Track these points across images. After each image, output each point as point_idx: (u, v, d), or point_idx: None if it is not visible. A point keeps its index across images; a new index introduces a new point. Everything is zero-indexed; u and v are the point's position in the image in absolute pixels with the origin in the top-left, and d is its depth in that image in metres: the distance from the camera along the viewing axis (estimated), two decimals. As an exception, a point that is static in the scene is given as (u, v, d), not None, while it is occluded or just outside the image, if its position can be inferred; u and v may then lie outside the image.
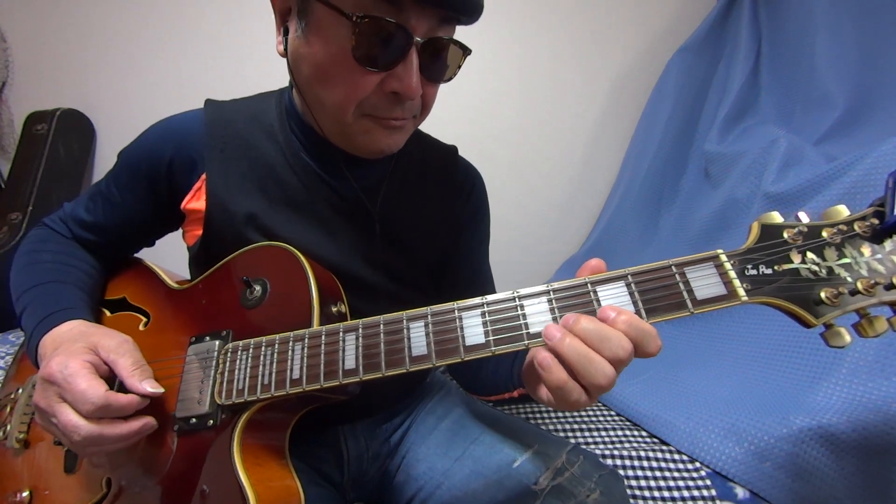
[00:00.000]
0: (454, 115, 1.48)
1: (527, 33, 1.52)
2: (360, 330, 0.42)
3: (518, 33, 1.52)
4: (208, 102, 0.58)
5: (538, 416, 0.94)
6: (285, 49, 0.49)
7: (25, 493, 0.52)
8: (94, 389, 0.41)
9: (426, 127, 0.68)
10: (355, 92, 0.45)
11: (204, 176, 0.54)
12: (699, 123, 1.44)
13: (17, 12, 1.46)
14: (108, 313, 0.60)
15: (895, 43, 1.04)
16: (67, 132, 1.48)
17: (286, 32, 0.48)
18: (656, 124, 1.47)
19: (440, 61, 0.47)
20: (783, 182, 1.03)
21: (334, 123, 0.50)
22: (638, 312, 0.36)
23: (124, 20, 1.47)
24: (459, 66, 0.50)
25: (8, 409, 0.58)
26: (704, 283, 0.36)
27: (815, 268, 0.35)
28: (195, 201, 0.55)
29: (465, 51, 0.49)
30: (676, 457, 0.80)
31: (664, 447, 0.83)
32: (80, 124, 1.52)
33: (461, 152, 0.70)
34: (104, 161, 1.57)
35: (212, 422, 0.45)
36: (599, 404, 1.01)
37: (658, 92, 1.52)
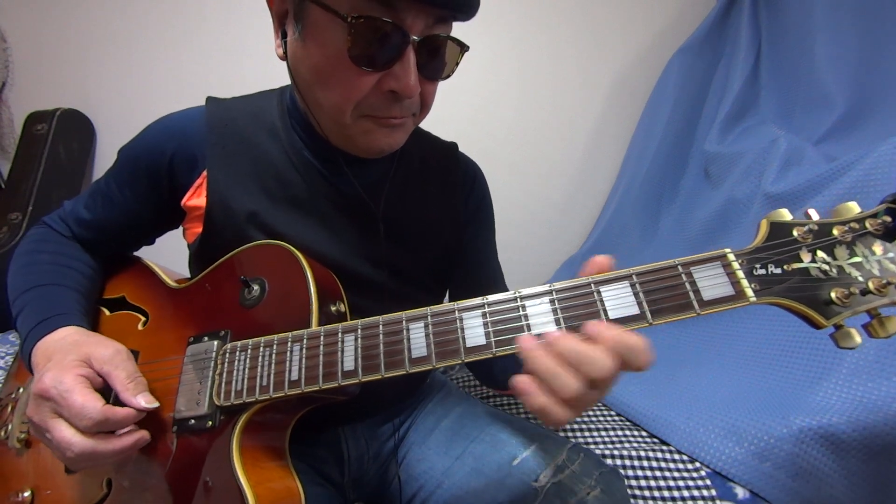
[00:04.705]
0: (454, 116, 1.48)
1: (527, 33, 1.52)
2: (360, 331, 0.42)
3: (518, 33, 1.52)
4: (210, 100, 0.58)
5: (538, 416, 0.94)
6: (284, 52, 0.49)
7: (27, 493, 0.52)
8: (91, 404, 0.41)
9: (426, 126, 0.68)
10: (353, 92, 0.45)
11: (205, 173, 0.54)
12: (699, 123, 1.44)
13: (17, 12, 1.46)
14: (107, 312, 0.59)
15: (895, 43, 1.04)
16: (67, 132, 1.48)
17: (284, 35, 0.48)
18: (656, 124, 1.47)
19: (438, 59, 0.47)
20: (783, 182, 1.03)
21: (334, 124, 0.50)
22: (643, 314, 0.35)
23: (124, 20, 1.47)
24: (457, 63, 0.50)
25: (9, 408, 0.58)
26: (712, 283, 0.35)
27: (826, 267, 0.34)
28: (196, 198, 0.55)
29: (463, 47, 0.48)
30: (676, 457, 0.80)
31: (664, 447, 0.83)
32: (80, 124, 1.52)
33: (462, 152, 0.70)
34: (104, 161, 1.57)
35: (210, 423, 0.45)
36: (600, 404, 1.01)
37: (658, 92, 1.52)
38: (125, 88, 1.51)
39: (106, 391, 0.45)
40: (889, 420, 0.66)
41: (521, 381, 0.34)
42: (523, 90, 1.56)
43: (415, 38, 0.43)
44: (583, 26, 1.54)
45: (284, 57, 0.49)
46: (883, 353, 0.73)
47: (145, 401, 0.45)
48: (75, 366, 0.44)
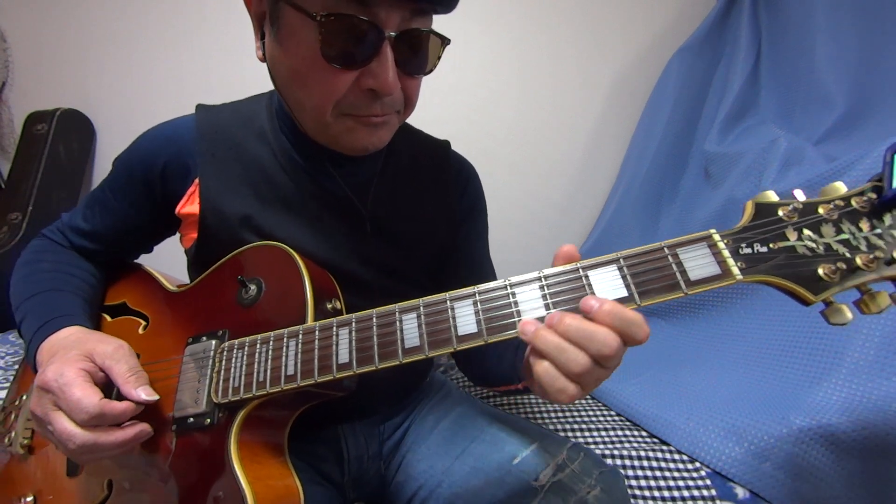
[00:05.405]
0: (454, 115, 1.49)
1: (527, 33, 1.52)
2: (354, 324, 0.42)
3: (518, 33, 1.52)
4: (199, 107, 0.58)
5: (538, 415, 0.94)
6: (264, 54, 0.49)
7: (30, 499, 0.52)
8: (88, 398, 0.42)
9: (426, 126, 0.68)
10: (331, 92, 0.45)
11: (197, 180, 0.55)
12: (699, 123, 1.44)
13: (17, 12, 1.46)
14: (108, 318, 0.60)
15: (895, 43, 1.04)
16: (67, 132, 1.48)
17: (263, 37, 0.48)
18: (656, 124, 1.47)
19: (419, 54, 0.46)
20: (783, 182, 1.03)
21: (316, 124, 0.50)
22: (631, 296, 0.36)
23: (124, 20, 1.47)
24: (439, 58, 0.49)
25: (13, 416, 0.59)
26: (698, 263, 0.35)
27: (812, 244, 0.35)
28: (189, 205, 0.55)
29: (444, 41, 0.47)
30: (676, 457, 0.80)
31: (664, 447, 0.83)
32: (80, 124, 1.52)
33: (462, 152, 0.70)
34: (104, 161, 1.57)
35: (209, 420, 0.45)
36: (600, 404, 1.01)
37: (658, 92, 1.52)
38: (125, 88, 1.51)
39: (109, 387, 0.46)
40: (889, 420, 0.66)
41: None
42: (523, 90, 1.56)
43: (391, 33, 0.42)
44: (583, 26, 1.54)
45: (264, 59, 0.49)
46: (883, 352, 0.73)
47: (145, 393, 0.45)
48: (77, 360, 0.45)
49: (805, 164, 1.04)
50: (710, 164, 1.31)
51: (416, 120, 0.66)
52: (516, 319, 0.37)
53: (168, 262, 0.70)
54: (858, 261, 0.33)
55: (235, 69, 1.44)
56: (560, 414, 0.95)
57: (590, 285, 0.37)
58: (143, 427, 0.45)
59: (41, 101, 1.50)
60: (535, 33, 1.53)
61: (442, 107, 1.46)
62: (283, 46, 0.45)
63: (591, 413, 0.97)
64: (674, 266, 0.36)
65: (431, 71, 0.49)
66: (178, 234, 0.62)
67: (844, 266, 0.33)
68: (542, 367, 0.35)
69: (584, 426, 0.91)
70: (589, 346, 0.33)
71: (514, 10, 1.50)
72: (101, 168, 1.57)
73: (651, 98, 1.54)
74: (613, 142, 1.63)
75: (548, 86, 1.57)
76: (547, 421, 0.93)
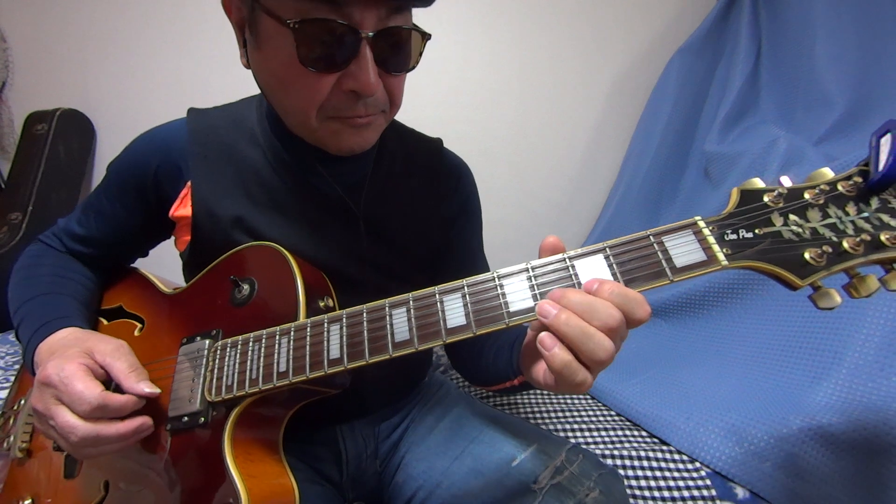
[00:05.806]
0: (455, 115, 1.49)
1: (527, 33, 1.52)
2: (344, 319, 0.42)
3: (518, 33, 1.52)
4: (191, 111, 0.58)
5: (538, 416, 0.94)
6: (248, 60, 0.49)
7: (28, 501, 0.52)
8: (90, 390, 0.42)
9: (426, 125, 0.68)
10: (313, 96, 0.44)
11: (189, 183, 0.55)
12: (699, 123, 1.44)
13: (17, 12, 1.47)
14: (104, 322, 0.60)
15: (895, 43, 1.04)
16: (67, 132, 1.48)
17: (246, 44, 0.48)
18: (656, 124, 1.47)
19: (398, 51, 0.45)
20: (783, 182, 1.03)
21: (302, 128, 0.50)
22: None
23: (124, 20, 1.47)
24: (421, 53, 0.48)
25: (12, 420, 0.59)
26: (683, 250, 0.35)
27: (798, 229, 0.34)
28: (182, 208, 0.55)
29: (425, 36, 0.47)
30: (676, 457, 0.80)
31: (664, 447, 0.83)
32: (80, 124, 1.52)
33: (462, 152, 0.69)
34: (104, 161, 1.56)
35: (203, 419, 0.45)
36: (600, 404, 1.01)
37: (658, 92, 1.52)
38: (125, 88, 1.52)
39: (108, 384, 0.46)
40: (889, 420, 0.66)
41: (544, 336, 0.35)
42: (523, 90, 1.56)
43: (368, 33, 0.41)
44: (583, 26, 1.54)
45: (248, 65, 0.49)
46: (883, 353, 0.73)
47: (147, 387, 0.45)
48: (78, 356, 0.45)
49: (805, 164, 1.03)
50: (710, 164, 1.31)
51: (416, 120, 0.66)
52: (504, 311, 0.37)
53: (165, 265, 0.70)
54: (845, 244, 0.33)
55: (235, 69, 1.44)
56: (560, 414, 0.95)
57: (576, 275, 0.37)
58: (145, 420, 0.45)
59: (41, 101, 1.50)
60: (535, 33, 1.53)
61: (442, 107, 1.46)
62: (263, 53, 0.45)
63: (590, 413, 0.97)
64: (659, 254, 0.36)
65: (414, 67, 0.48)
66: (172, 238, 0.62)
67: (831, 250, 0.33)
68: (562, 360, 0.34)
69: (583, 426, 0.91)
70: (593, 319, 0.33)
71: (514, 9, 1.50)
72: (101, 168, 1.57)
73: (651, 98, 1.55)
74: (613, 142, 1.63)
75: (548, 86, 1.57)
76: (547, 421, 0.92)
